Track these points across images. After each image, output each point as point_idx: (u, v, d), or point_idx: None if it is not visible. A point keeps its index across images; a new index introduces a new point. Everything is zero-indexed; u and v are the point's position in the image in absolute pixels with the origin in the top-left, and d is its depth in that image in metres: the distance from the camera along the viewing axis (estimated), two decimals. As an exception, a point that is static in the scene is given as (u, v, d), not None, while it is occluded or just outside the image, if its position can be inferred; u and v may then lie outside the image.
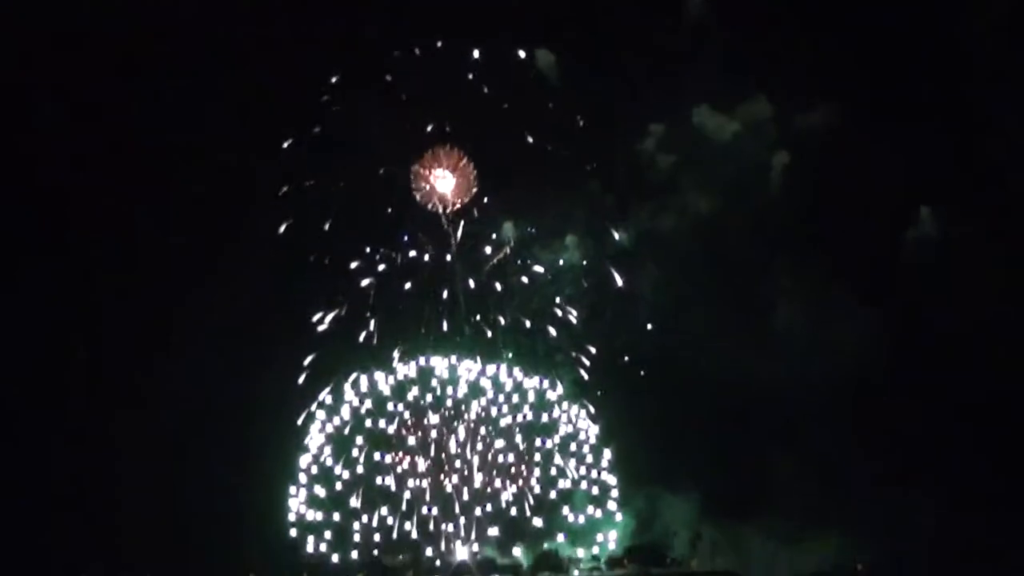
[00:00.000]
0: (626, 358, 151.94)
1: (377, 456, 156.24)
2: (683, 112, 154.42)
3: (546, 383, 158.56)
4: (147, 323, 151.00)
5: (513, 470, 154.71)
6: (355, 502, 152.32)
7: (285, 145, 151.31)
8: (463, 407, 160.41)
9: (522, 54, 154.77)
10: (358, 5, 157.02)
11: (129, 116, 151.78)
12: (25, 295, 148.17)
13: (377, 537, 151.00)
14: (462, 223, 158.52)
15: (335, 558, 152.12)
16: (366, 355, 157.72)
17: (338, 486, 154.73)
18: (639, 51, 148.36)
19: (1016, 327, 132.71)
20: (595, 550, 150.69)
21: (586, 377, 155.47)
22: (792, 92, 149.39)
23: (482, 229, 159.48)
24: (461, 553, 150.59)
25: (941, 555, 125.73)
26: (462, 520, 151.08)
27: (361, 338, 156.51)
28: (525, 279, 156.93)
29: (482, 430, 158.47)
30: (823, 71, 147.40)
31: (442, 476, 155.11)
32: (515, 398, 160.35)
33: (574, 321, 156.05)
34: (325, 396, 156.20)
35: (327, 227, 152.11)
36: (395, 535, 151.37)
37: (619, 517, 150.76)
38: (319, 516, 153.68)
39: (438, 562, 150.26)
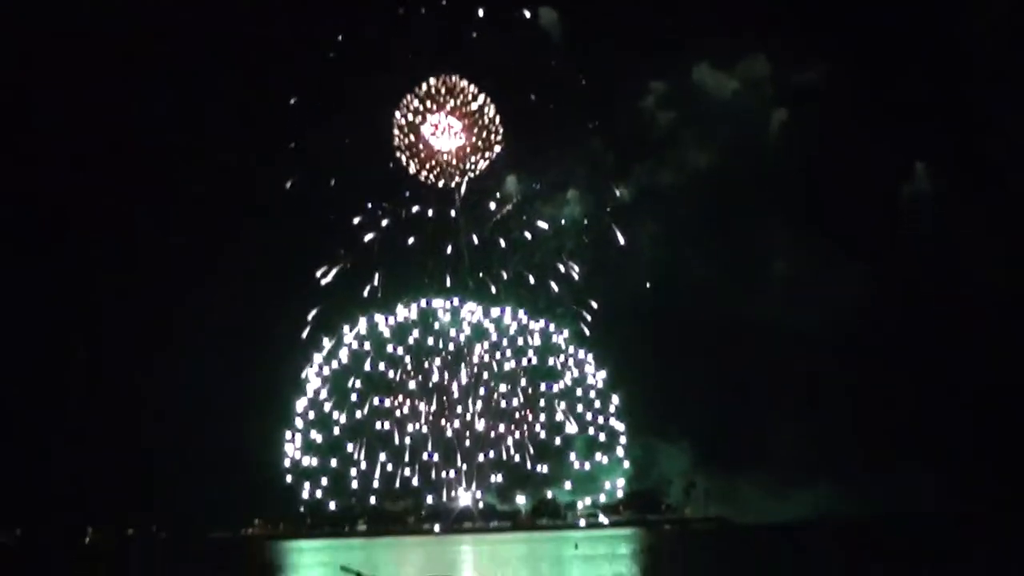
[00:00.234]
0: (625, 311, 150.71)
1: (376, 401, 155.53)
2: (683, 70, 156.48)
3: (552, 326, 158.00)
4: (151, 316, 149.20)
5: (517, 415, 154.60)
6: (353, 448, 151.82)
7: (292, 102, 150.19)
8: (465, 350, 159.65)
9: (526, 13, 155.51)
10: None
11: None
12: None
13: (377, 483, 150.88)
14: (466, 179, 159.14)
15: (332, 505, 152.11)
16: (370, 309, 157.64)
17: (336, 431, 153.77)
18: (640, 10, 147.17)
19: (1006, 282, 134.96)
20: (602, 498, 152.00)
21: (587, 332, 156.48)
22: (790, 50, 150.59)
23: (486, 185, 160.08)
24: (464, 499, 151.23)
25: (927, 502, 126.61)
26: (463, 467, 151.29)
27: (366, 292, 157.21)
28: (528, 234, 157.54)
29: (485, 374, 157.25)
30: (820, 30, 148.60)
31: (443, 421, 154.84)
32: (520, 341, 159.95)
33: (576, 276, 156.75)
34: (323, 340, 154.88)
35: (332, 183, 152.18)
36: (395, 482, 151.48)
37: (626, 464, 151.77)
38: (315, 462, 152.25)
39: (439, 508, 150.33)
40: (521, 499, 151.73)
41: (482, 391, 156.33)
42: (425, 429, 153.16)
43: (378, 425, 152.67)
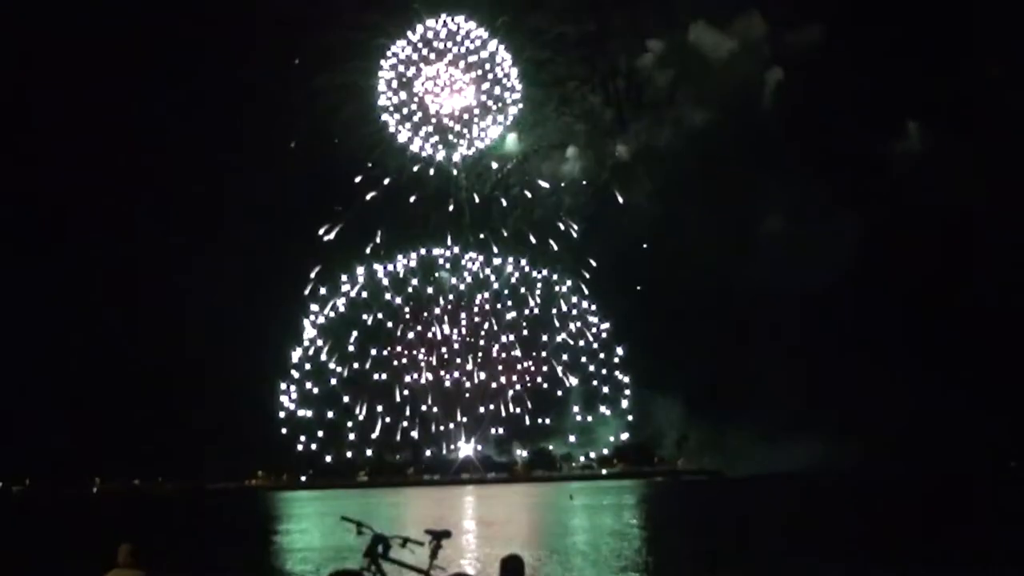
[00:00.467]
0: (622, 268, 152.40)
1: (374, 351, 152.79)
2: (680, 29, 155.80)
3: (555, 276, 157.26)
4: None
5: (519, 367, 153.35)
6: (350, 399, 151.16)
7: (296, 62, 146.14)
8: (465, 300, 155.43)
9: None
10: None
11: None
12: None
13: (375, 435, 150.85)
14: (467, 136, 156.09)
15: (328, 458, 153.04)
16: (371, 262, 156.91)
17: (332, 382, 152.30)
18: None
19: (993, 230, 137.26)
20: (602, 451, 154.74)
21: (586, 291, 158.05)
22: (785, 9, 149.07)
23: (486, 142, 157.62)
24: (463, 451, 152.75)
25: (917, 454, 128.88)
26: (464, 420, 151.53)
27: (368, 249, 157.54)
28: (528, 193, 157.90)
29: (486, 324, 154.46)
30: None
31: (443, 373, 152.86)
32: (522, 290, 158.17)
33: (574, 235, 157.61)
34: (321, 290, 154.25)
35: (336, 141, 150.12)
36: (394, 433, 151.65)
37: (630, 418, 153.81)
38: (310, 414, 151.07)
39: (438, 459, 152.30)
40: (519, 451, 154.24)
41: (482, 342, 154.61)
42: (424, 381, 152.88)
43: (376, 376, 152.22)
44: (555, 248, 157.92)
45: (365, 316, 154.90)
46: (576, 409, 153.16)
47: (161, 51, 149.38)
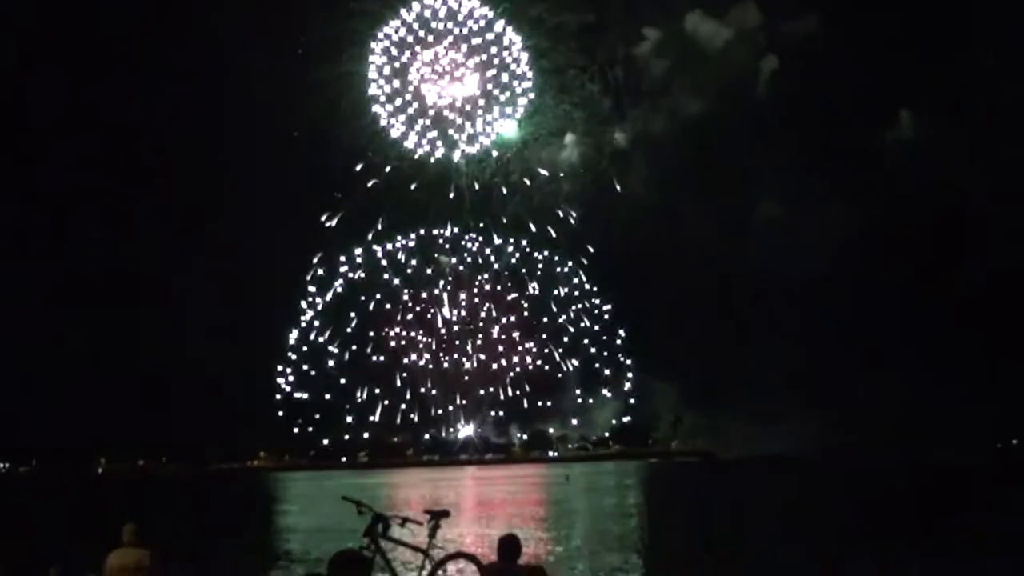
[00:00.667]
0: (620, 255, 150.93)
1: (372, 332, 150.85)
2: (676, 18, 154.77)
3: (556, 257, 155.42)
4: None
5: (520, 348, 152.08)
6: (347, 381, 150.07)
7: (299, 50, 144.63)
8: (465, 279, 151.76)
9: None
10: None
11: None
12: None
13: (374, 417, 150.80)
14: (469, 131, 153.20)
15: (325, 441, 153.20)
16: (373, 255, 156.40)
17: (331, 363, 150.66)
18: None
19: (988, 218, 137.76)
20: (601, 434, 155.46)
21: (584, 277, 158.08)
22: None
23: (492, 138, 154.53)
24: (463, 433, 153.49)
25: (909, 440, 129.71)
26: (463, 403, 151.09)
27: (369, 236, 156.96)
28: (527, 180, 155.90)
29: (487, 304, 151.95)
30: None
31: (442, 355, 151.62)
32: (523, 270, 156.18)
33: (573, 221, 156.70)
34: (319, 270, 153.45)
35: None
36: (393, 415, 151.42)
37: (632, 401, 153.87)
38: (306, 396, 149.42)
39: (438, 441, 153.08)
40: (516, 432, 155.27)
41: (482, 323, 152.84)
42: (423, 363, 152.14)
43: (375, 358, 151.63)
44: (553, 235, 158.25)
45: (364, 298, 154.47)
46: (574, 391, 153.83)
47: (161, 50, 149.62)
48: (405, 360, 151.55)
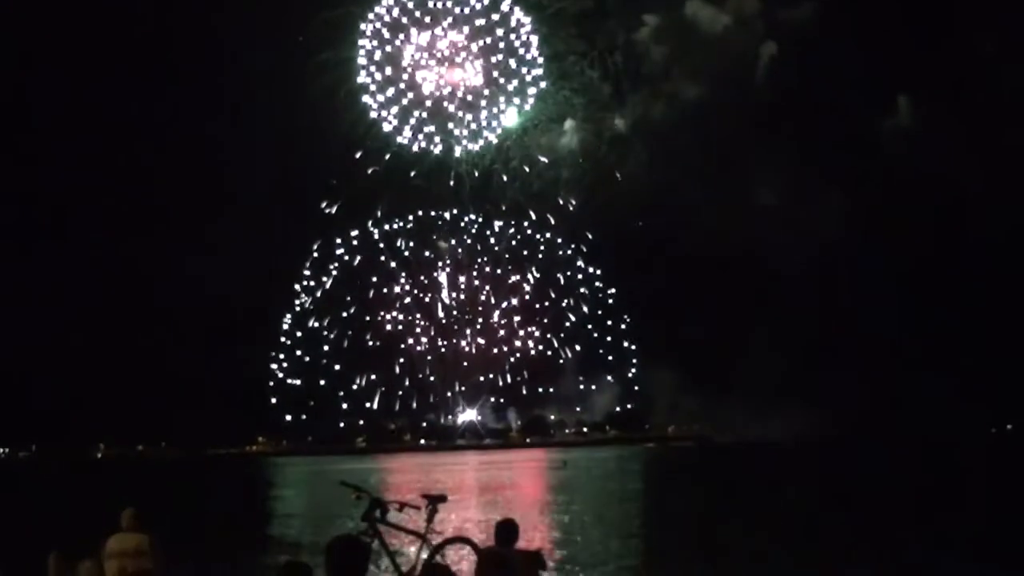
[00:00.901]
0: (619, 240, 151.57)
1: (368, 318, 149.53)
2: (676, 3, 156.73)
3: (560, 239, 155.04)
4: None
5: (521, 333, 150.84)
6: (343, 367, 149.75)
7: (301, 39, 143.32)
8: (463, 263, 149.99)
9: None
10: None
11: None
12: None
13: (369, 404, 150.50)
14: (468, 116, 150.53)
15: (318, 427, 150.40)
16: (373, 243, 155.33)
17: (325, 348, 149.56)
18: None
19: (981, 205, 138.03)
20: (593, 417, 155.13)
21: (582, 264, 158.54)
22: None
23: (497, 132, 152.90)
24: (462, 418, 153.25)
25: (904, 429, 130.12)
26: (462, 389, 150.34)
27: (369, 224, 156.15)
28: (526, 167, 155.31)
29: (487, 287, 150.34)
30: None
31: (440, 340, 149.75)
32: (525, 252, 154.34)
33: (572, 208, 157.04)
34: (314, 253, 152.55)
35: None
36: (390, 401, 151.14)
37: (636, 388, 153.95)
38: (299, 382, 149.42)
39: (436, 426, 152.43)
40: (514, 417, 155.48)
41: (481, 308, 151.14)
42: (420, 348, 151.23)
43: (372, 342, 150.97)
44: (552, 222, 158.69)
45: (361, 281, 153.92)
46: (573, 377, 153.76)
47: (160, 47, 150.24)
48: (402, 345, 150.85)
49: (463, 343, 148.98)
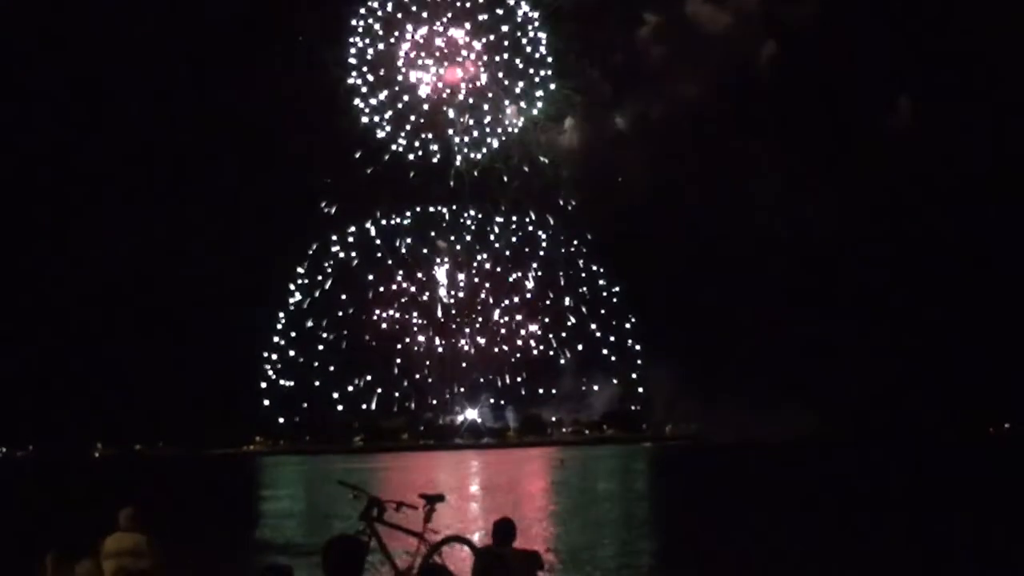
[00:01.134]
0: (618, 237, 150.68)
1: (364, 316, 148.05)
2: (677, 1, 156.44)
3: (563, 236, 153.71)
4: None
5: (522, 332, 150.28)
6: (338, 366, 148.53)
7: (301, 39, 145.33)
8: (462, 260, 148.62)
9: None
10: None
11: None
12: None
13: (365, 405, 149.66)
14: (473, 133, 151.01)
15: (313, 428, 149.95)
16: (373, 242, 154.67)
17: (320, 347, 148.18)
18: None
19: (981, 204, 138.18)
20: (590, 416, 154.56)
21: (581, 263, 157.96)
22: None
23: (503, 140, 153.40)
24: (459, 418, 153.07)
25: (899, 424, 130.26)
26: (460, 390, 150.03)
27: (368, 224, 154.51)
28: (525, 168, 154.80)
29: (487, 284, 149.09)
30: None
31: (438, 339, 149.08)
32: (526, 250, 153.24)
33: (571, 207, 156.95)
34: (311, 248, 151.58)
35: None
36: (388, 399, 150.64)
37: (641, 390, 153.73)
38: (292, 383, 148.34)
39: (434, 425, 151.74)
40: (511, 417, 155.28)
41: (479, 306, 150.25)
42: (417, 348, 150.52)
43: (369, 341, 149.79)
44: (551, 222, 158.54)
45: (357, 278, 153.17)
46: (572, 376, 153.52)
47: (161, 46, 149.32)
48: (399, 345, 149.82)
49: (462, 342, 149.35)
